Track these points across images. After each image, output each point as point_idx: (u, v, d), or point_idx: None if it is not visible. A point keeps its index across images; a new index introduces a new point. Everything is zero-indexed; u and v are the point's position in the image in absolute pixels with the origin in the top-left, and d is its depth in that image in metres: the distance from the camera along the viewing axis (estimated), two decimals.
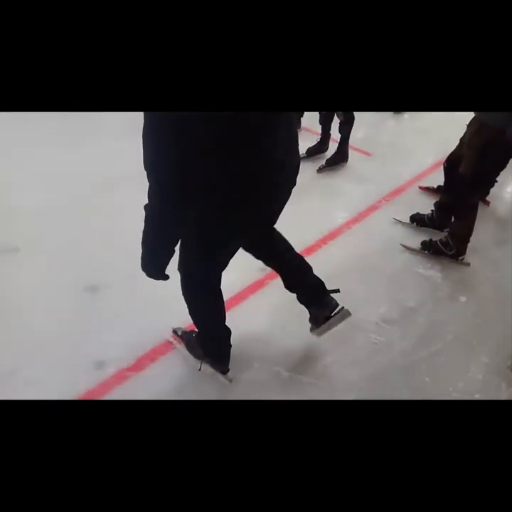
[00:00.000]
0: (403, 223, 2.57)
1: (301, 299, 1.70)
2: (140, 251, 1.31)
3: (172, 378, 1.62)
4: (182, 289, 1.49)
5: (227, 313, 1.63)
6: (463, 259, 2.31)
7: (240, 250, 1.48)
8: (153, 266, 1.30)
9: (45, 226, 2.28)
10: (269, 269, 2.10)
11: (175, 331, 1.75)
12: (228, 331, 1.60)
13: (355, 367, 1.75)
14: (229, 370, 1.65)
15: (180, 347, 1.72)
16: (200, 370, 1.64)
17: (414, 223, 2.54)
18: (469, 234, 2.26)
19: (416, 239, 2.43)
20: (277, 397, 1.60)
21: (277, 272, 1.71)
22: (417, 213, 2.55)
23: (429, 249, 2.34)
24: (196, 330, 1.65)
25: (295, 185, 1.36)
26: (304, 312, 1.95)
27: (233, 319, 1.67)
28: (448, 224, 2.40)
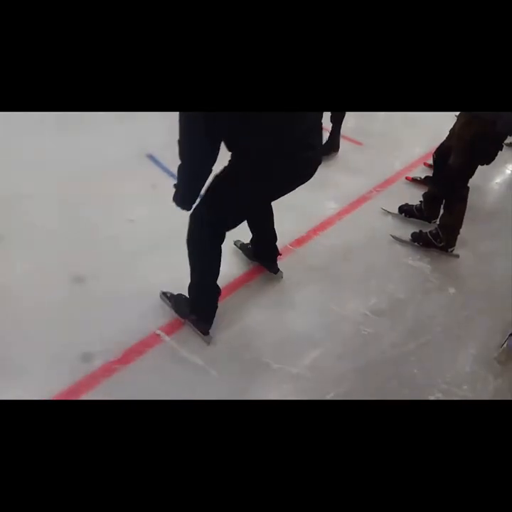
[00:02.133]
0: (392, 214, 2.56)
1: (257, 257, 2.06)
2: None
3: (160, 371, 1.60)
4: (192, 235, 1.56)
5: (219, 304, 1.66)
6: (452, 250, 2.31)
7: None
8: (188, 199, 1.48)
9: (30, 214, 2.22)
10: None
11: (164, 293, 1.82)
12: (219, 290, 1.69)
13: (345, 358, 1.75)
14: (209, 332, 1.70)
15: (169, 339, 1.70)
16: (183, 323, 1.75)
17: (403, 214, 2.54)
18: (459, 226, 2.27)
19: (406, 230, 2.43)
20: (267, 388, 1.60)
21: (255, 236, 1.97)
22: (406, 204, 2.55)
23: (419, 240, 2.34)
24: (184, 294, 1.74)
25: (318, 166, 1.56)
26: (293, 304, 1.95)
27: (224, 310, 1.66)
28: (436, 215, 2.41)
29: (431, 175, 2.81)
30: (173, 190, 1.47)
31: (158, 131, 2.84)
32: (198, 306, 1.72)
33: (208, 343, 1.70)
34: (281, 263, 2.12)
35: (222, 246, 1.62)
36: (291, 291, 2.00)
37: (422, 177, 2.84)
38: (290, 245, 2.24)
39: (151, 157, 2.77)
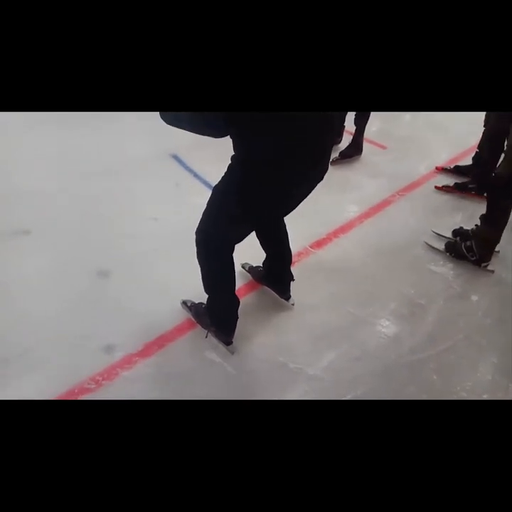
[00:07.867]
0: (444, 237, 2.37)
1: (268, 280, 1.93)
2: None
3: (177, 366, 1.63)
4: (198, 252, 1.53)
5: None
6: (486, 265, 2.18)
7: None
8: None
9: (56, 209, 2.30)
10: None
11: (184, 302, 1.80)
12: (237, 301, 1.65)
13: (362, 361, 1.74)
14: (233, 342, 1.68)
15: (188, 334, 1.73)
16: (206, 337, 1.70)
17: (457, 238, 2.28)
18: (497, 240, 2.14)
19: (431, 236, 2.39)
20: (282, 388, 1.60)
21: (269, 256, 1.86)
22: (461, 228, 2.33)
23: (452, 252, 2.25)
24: (205, 302, 1.70)
25: (322, 179, 1.44)
26: (312, 305, 1.95)
27: (242, 308, 1.67)
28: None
29: (459, 181, 2.77)
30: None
31: (182, 132, 2.90)
32: (217, 320, 1.69)
33: (232, 352, 1.67)
34: (300, 264, 2.13)
35: (233, 256, 1.55)
36: (309, 292, 1.99)
37: (451, 184, 2.79)
38: (310, 247, 2.24)
39: (175, 157, 2.82)
